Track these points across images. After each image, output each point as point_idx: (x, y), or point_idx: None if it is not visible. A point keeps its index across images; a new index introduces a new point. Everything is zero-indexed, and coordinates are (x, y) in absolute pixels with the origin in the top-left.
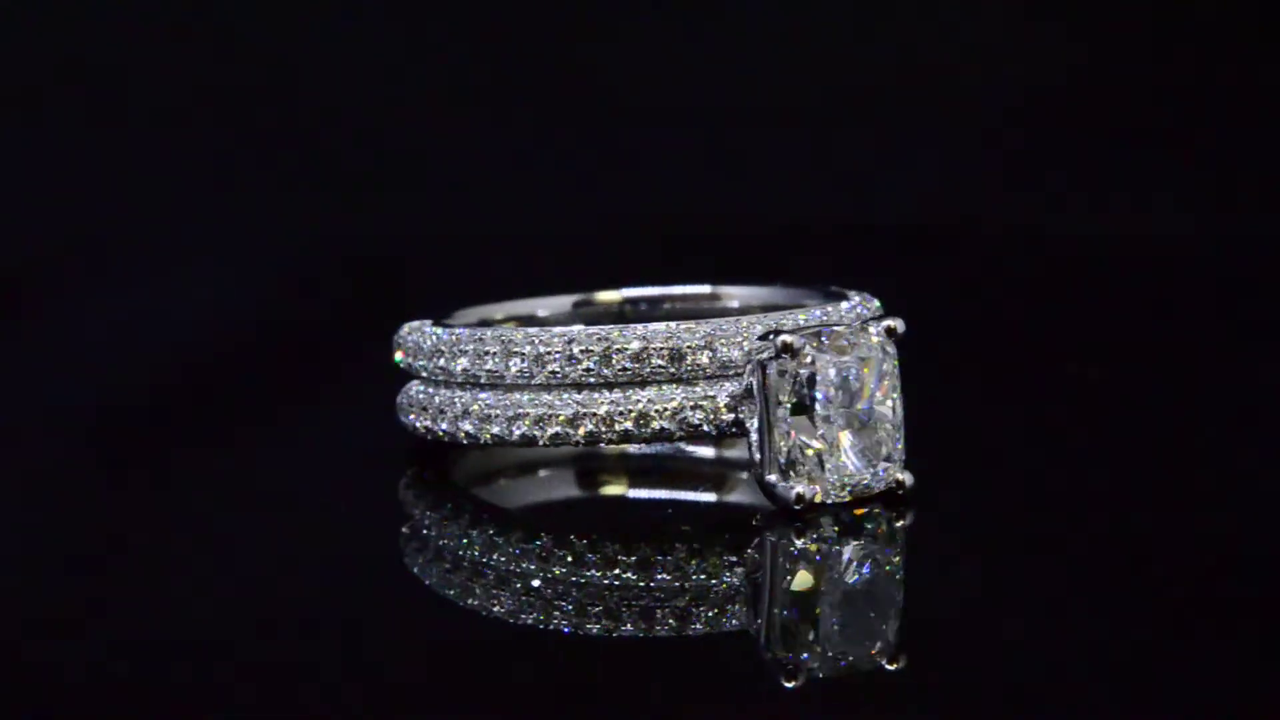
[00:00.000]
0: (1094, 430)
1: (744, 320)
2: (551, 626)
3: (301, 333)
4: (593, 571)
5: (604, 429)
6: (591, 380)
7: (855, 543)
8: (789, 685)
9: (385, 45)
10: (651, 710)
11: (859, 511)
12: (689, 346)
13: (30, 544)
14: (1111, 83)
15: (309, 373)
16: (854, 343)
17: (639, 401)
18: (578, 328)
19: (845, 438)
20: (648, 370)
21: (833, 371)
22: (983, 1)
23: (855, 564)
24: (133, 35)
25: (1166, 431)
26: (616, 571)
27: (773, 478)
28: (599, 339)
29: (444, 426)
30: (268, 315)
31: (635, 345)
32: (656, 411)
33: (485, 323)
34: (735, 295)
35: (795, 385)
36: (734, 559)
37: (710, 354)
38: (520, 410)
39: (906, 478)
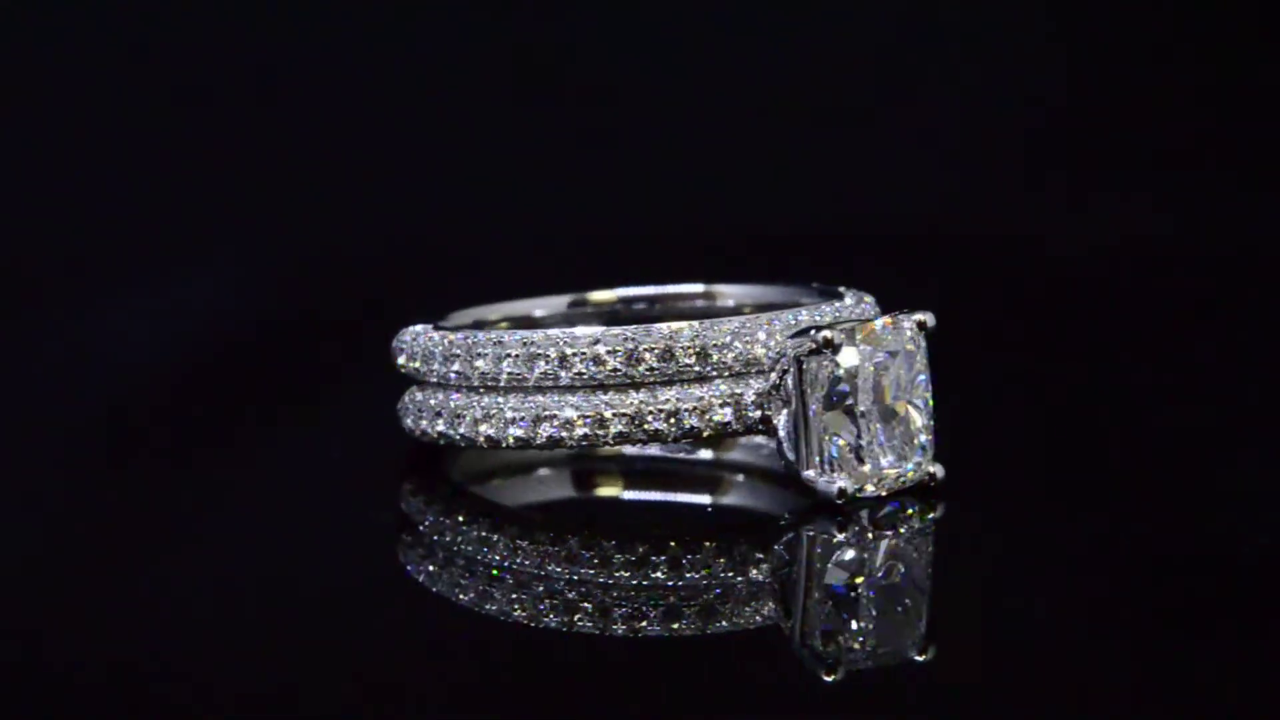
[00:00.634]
0: (1113, 426)
1: (762, 317)
2: (578, 629)
3: (295, 334)
4: (623, 572)
5: (634, 428)
6: (616, 381)
7: (890, 535)
8: (829, 679)
9: (380, 45)
10: (694, 708)
11: (892, 504)
12: (715, 345)
13: (29, 545)
14: (1115, 89)
15: (304, 374)
16: (888, 337)
17: (668, 400)
18: (600, 328)
19: (881, 431)
20: (673, 369)
21: (870, 366)
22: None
23: (890, 557)
24: (133, 35)
25: (1183, 430)
26: (643, 571)
27: (811, 473)
28: (626, 339)
29: (461, 431)
30: (259, 318)
31: (663, 345)
32: (687, 410)
33: (480, 324)
34: (730, 294)
35: (833, 380)
36: (760, 555)
37: (736, 352)
38: (546, 412)
39: (938, 470)
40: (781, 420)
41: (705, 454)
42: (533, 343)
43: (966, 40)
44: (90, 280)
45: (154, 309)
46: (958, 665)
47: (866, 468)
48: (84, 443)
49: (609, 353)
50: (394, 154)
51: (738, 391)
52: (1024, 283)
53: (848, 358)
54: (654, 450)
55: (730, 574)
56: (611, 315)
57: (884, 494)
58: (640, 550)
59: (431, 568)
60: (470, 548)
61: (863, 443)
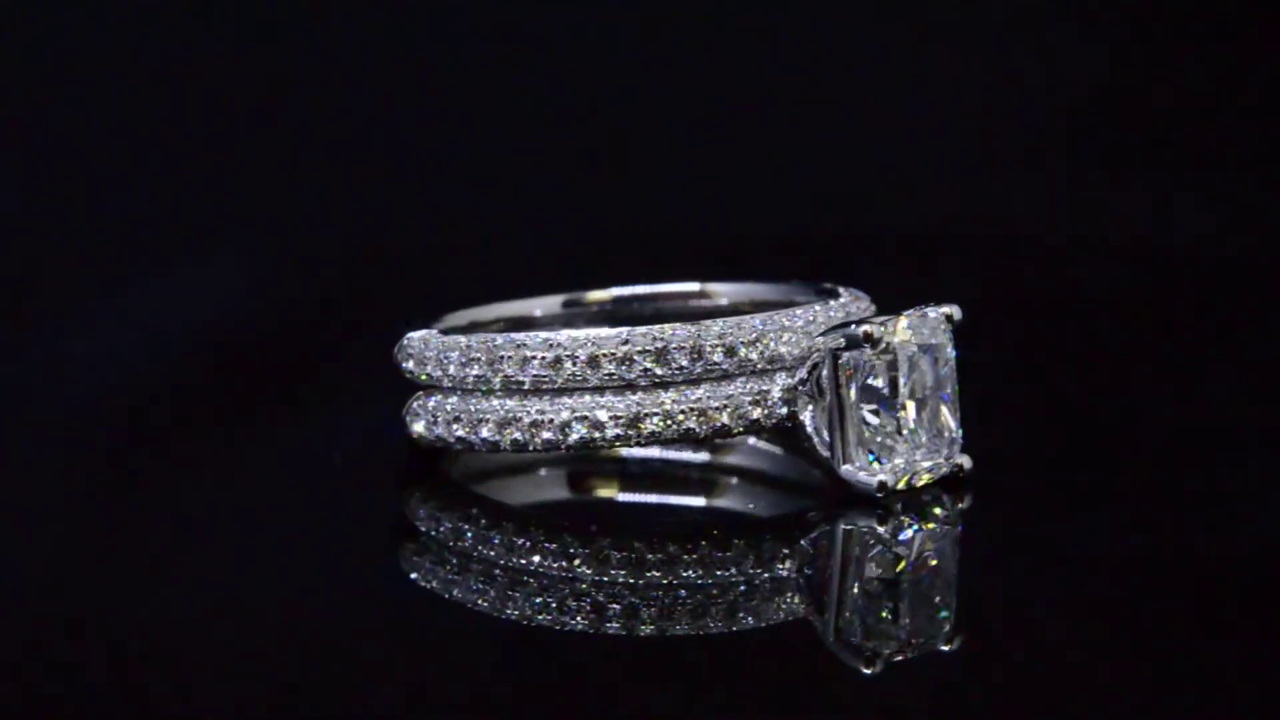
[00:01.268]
0: (1122, 424)
1: (781, 314)
2: (609, 630)
3: (284, 337)
4: (654, 572)
5: (667, 427)
6: (646, 381)
7: (922, 527)
8: (868, 671)
9: (373, 46)
10: (730, 706)
11: (922, 496)
12: (743, 342)
13: (27, 546)
14: (1114, 88)
15: (299, 376)
16: (922, 331)
17: (699, 399)
18: (624, 329)
19: (916, 425)
20: (701, 368)
21: (905, 360)
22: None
23: (922, 549)
24: (132, 37)
25: (1206, 428)
26: (674, 569)
27: (849, 467)
28: (655, 338)
29: (483, 435)
30: (246, 321)
31: (691, 343)
32: (716, 408)
33: (475, 326)
34: (724, 293)
35: (872, 374)
36: (787, 551)
37: (761, 349)
38: (576, 414)
39: (966, 461)
40: (808, 416)
41: (702, 456)
42: (559, 344)
43: (964, 38)
44: (88, 281)
45: (149, 310)
46: (987, 656)
47: (903, 461)
48: (82, 443)
49: (640, 353)
50: (377, 155)
51: (765, 388)
52: (1021, 282)
53: (888, 352)
54: (652, 452)
55: (758, 570)
56: (607, 315)
57: (918, 486)
58: (671, 549)
59: (450, 572)
60: (494, 552)
61: (902, 436)
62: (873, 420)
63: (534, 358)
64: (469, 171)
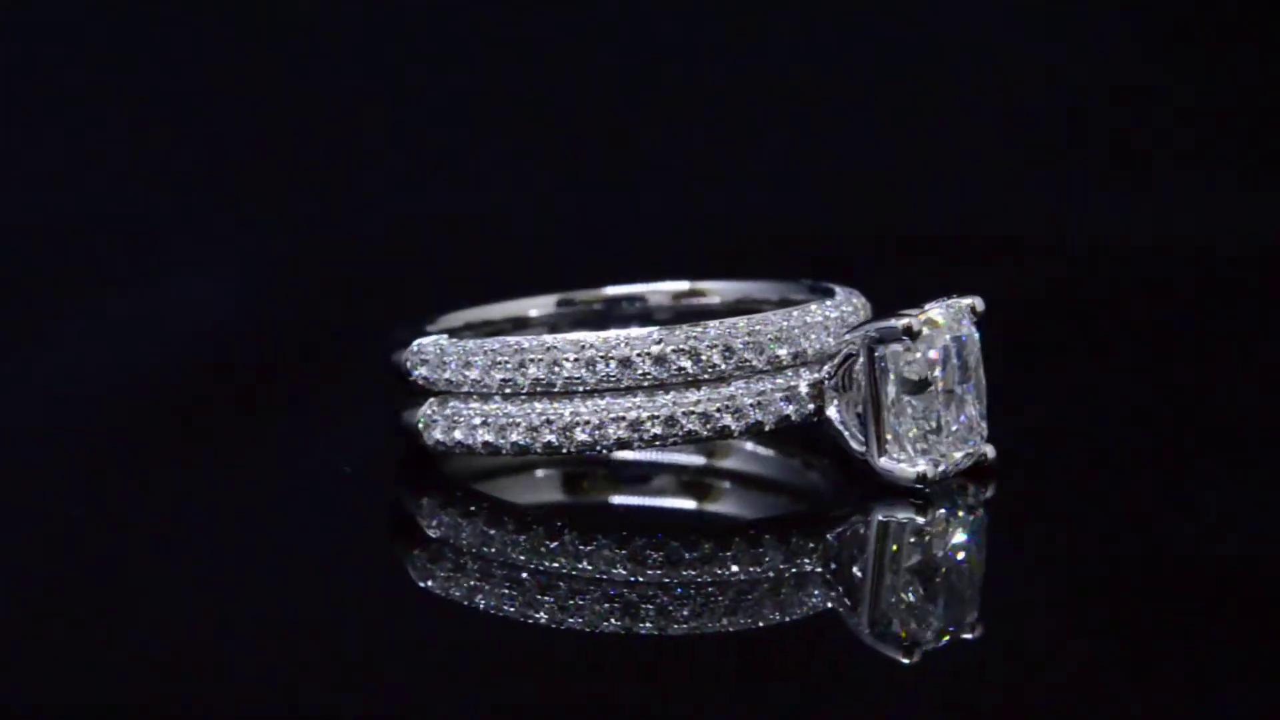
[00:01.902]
0: (1155, 413)
1: (796, 311)
2: (642, 631)
3: (281, 337)
4: (690, 571)
5: (703, 426)
6: (678, 380)
7: (954, 517)
8: (906, 661)
9: (364, 46)
10: (768, 701)
11: (950, 486)
12: (770, 338)
13: (24, 549)
14: (1114, 88)
15: (289, 381)
16: (953, 323)
17: (732, 396)
18: (658, 329)
19: (950, 415)
20: (732, 365)
21: (940, 351)
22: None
23: (954, 538)
24: (126, 36)
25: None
26: (709, 568)
27: (886, 460)
28: (688, 337)
29: (513, 439)
30: (244, 322)
31: (723, 341)
32: (750, 405)
33: (470, 327)
34: (716, 291)
35: (910, 366)
36: (813, 545)
37: (788, 346)
38: (612, 415)
39: (990, 450)
40: (834, 410)
41: (699, 459)
42: (590, 346)
43: (965, 37)
44: (84, 282)
45: (132, 317)
46: (1014, 644)
47: (939, 452)
48: (76, 448)
49: (675, 352)
50: (364, 154)
51: (792, 384)
52: (1017, 282)
53: (925, 344)
54: (649, 455)
55: (786, 565)
56: (601, 314)
57: (951, 476)
58: (706, 547)
59: (470, 578)
60: (523, 556)
61: (938, 427)
62: (910, 412)
63: (565, 359)
64: (454, 171)
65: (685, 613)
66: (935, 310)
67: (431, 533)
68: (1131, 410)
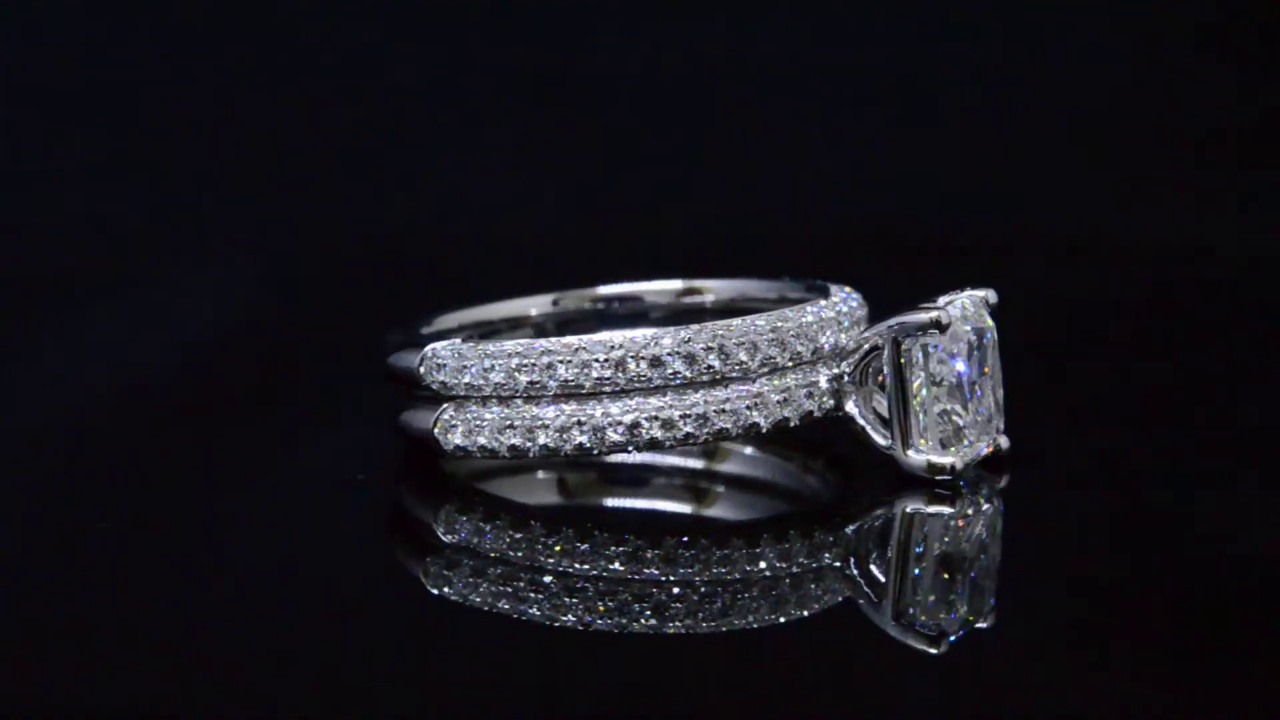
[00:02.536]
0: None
1: (810, 309)
2: (672, 630)
3: (275, 340)
4: (721, 568)
5: (734, 423)
6: (706, 379)
7: (974, 508)
8: (934, 651)
9: (355, 47)
10: (816, 691)
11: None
12: (793, 335)
13: (21, 555)
14: (1118, 87)
15: (291, 381)
16: (973, 316)
17: (759, 393)
18: (690, 327)
19: (971, 407)
20: (758, 361)
21: (965, 344)
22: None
23: (975, 529)
24: (129, 41)
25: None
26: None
27: (913, 453)
28: (716, 335)
29: (542, 442)
30: (241, 324)
31: (749, 339)
32: (777, 402)
33: (465, 327)
34: (711, 289)
35: (937, 358)
36: (832, 539)
37: (809, 342)
38: (648, 414)
39: (1004, 441)
40: (851, 405)
41: (697, 463)
42: (619, 346)
43: (965, 38)
44: (83, 284)
45: (127, 320)
46: (1034, 633)
47: (963, 443)
48: (81, 448)
49: (705, 350)
50: (353, 158)
51: (813, 379)
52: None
53: (953, 336)
54: (646, 458)
55: (809, 560)
56: (598, 314)
57: (972, 466)
58: (737, 542)
59: (493, 583)
60: (552, 560)
61: (962, 418)
62: (936, 404)
63: (596, 360)
64: (447, 171)
65: (714, 608)
66: (957, 302)
67: (449, 538)
68: (1137, 408)
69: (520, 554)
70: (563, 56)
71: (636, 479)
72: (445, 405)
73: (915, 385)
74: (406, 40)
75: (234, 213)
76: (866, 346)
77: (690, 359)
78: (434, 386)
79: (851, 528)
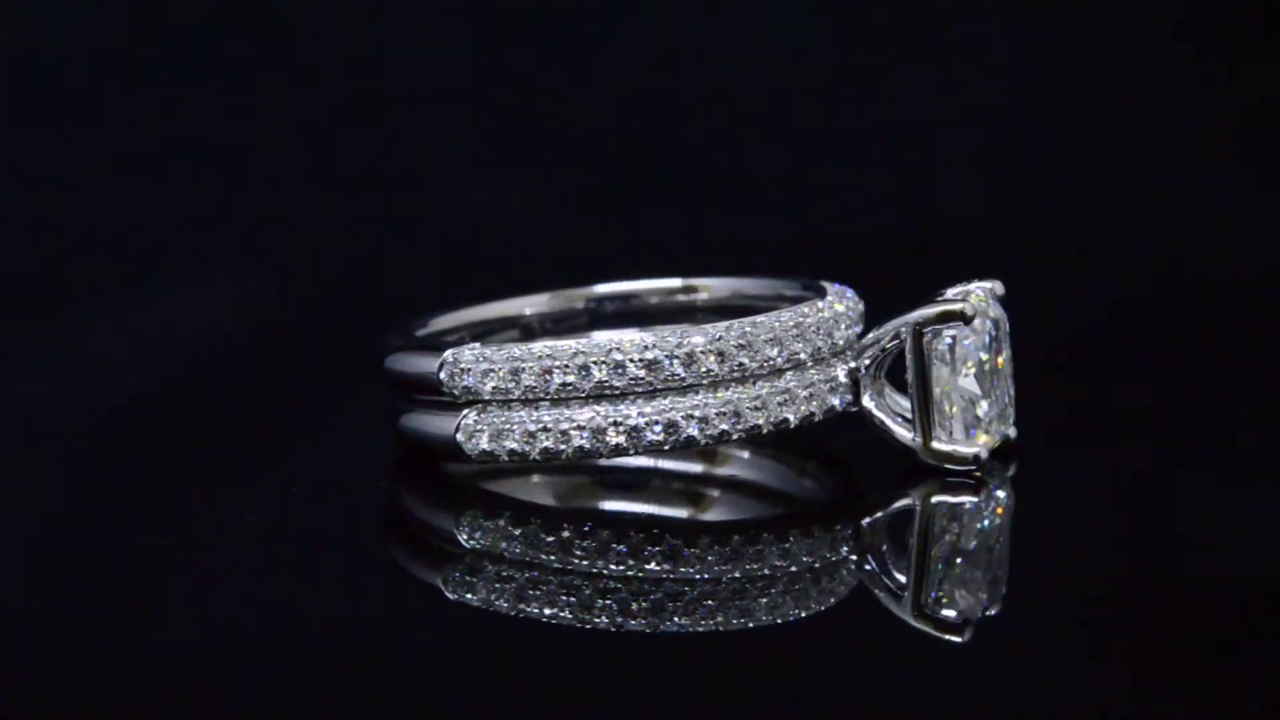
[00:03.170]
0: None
1: (823, 305)
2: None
3: (273, 346)
4: (751, 564)
5: (764, 420)
6: (735, 376)
7: (991, 496)
8: (959, 640)
9: (347, 48)
10: (844, 683)
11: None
12: (813, 329)
13: (22, 559)
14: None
15: (290, 385)
16: (989, 307)
17: (786, 390)
18: (722, 324)
19: (991, 397)
20: (784, 357)
21: (986, 334)
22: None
23: (994, 518)
24: (127, 46)
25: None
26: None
27: (937, 444)
28: (744, 332)
29: (577, 444)
30: (237, 328)
31: (774, 335)
32: (804, 397)
33: (460, 328)
34: (709, 287)
35: (961, 349)
36: (851, 532)
37: (828, 339)
38: (684, 412)
39: (1012, 431)
40: (868, 399)
41: (695, 467)
42: (654, 346)
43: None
44: (76, 292)
45: (122, 327)
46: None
47: (984, 433)
48: (82, 454)
49: (738, 347)
50: (348, 157)
51: (833, 375)
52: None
53: (975, 327)
54: (644, 461)
55: (829, 553)
56: (595, 312)
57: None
58: (734, 540)
59: (518, 585)
60: (585, 561)
61: (985, 409)
62: (958, 396)
63: (630, 361)
64: (440, 170)
65: (742, 605)
66: (975, 294)
67: (471, 543)
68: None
69: (553, 557)
70: (561, 57)
71: (631, 483)
72: (467, 410)
73: (939, 377)
74: (400, 39)
75: (232, 216)
76: (885, 340)
77: (721, 355)
78: (455, 392)
79: (867, 520)
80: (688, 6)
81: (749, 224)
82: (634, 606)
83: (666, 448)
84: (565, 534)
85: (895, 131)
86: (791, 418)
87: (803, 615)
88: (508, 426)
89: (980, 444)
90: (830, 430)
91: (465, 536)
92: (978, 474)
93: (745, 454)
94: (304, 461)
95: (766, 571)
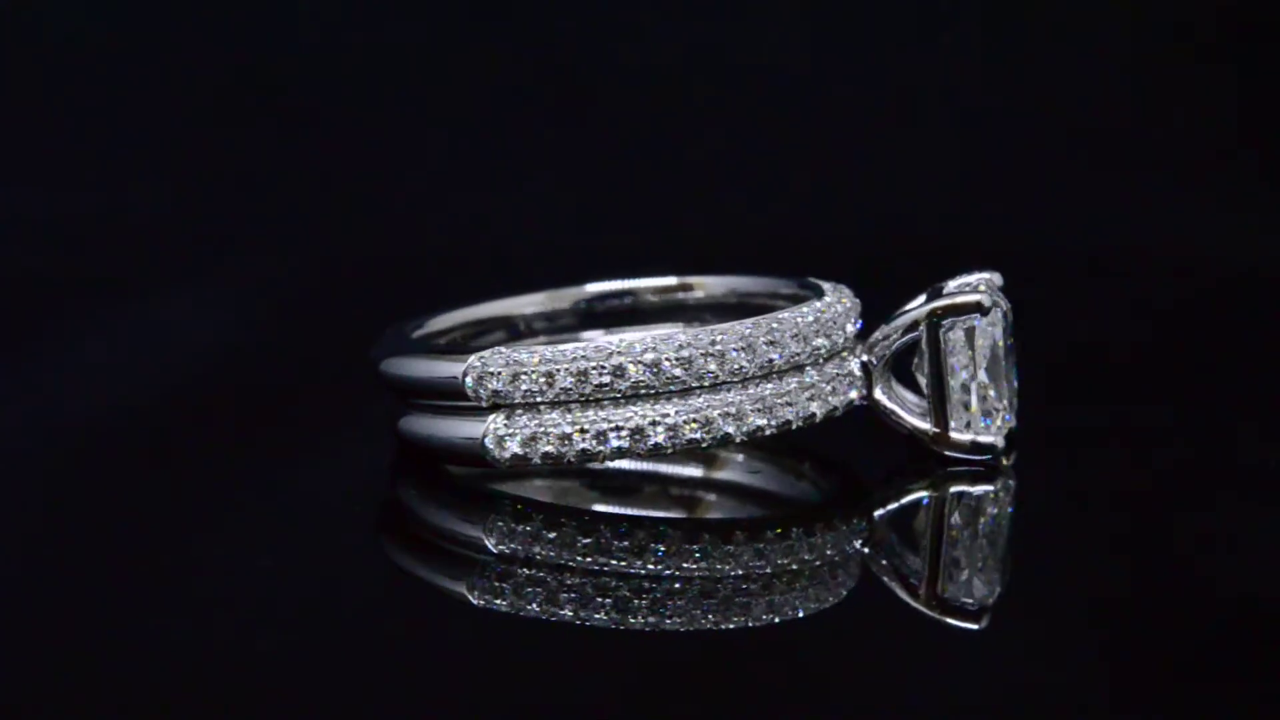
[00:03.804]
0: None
1: (835, 302)
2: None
3: (272, 352)
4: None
5: (795, 416)
6: (761, 373)
7: (1002, 485)
8: (977, 627)
9: (342, 49)
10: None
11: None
12: (830, 325)
13: (24, 564)
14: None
15: (291, 390)
16: (998, 299)
17: (812, 384)
18: (742, 322)
19: (1002, 387)
20: (806, 353)
21: (999, 326)
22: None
23: (1004, 506)
24: (124, 52)
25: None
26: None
27: (955, 434)
28: (772, 328)
29: (616, 444)
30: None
31: (798, 330)
32: (829, 392)
33: (457, 329)
34: (705, 285)
35: (976, 340)
36: (864, 525)
37: (842, 334)
38: (720, 409)
39: (1013, 422)
40: (879, 392)
41: (694, 471)
42: (689, 344)
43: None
44: (80, 294)
45: (127, 336)
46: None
47: (997, 422)
48: (84, 461)
49: (766, 343)
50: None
51: (849, 368)
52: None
53: (992, 319)
54: (638, 465)
55: (843, 546)
56: (588, 312)
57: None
58: (739, 536)
59: (545, 588)
60: (622, 562)
61: (998, 397)
62: (978, 386)
63: (665, 359)
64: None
65: (766, 600)
66: (982, 285)
67: (502, 549)
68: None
69: (589, 559)
70: (559, 57)
71: (626, 488)
72: (495, 415)
73: (957, 367)
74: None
75: (227, 220)
76: (898, 333)
77: (752, 351)
78: (482, 397)
79: (880, 512)
80: (688, 6)
81: (745, 225)
82: (669, 603)
83: (704, 445)
84: (601, 538)
85: (893, 132)
86: (818, 412)
87: (824, 607)
88: (542, 430)
89: (997, 433)
90: (817, 431)
91: (494, 541)
92: (993, 463)
93: (739, 457)
94: (306, 469)
95: (795, 566)
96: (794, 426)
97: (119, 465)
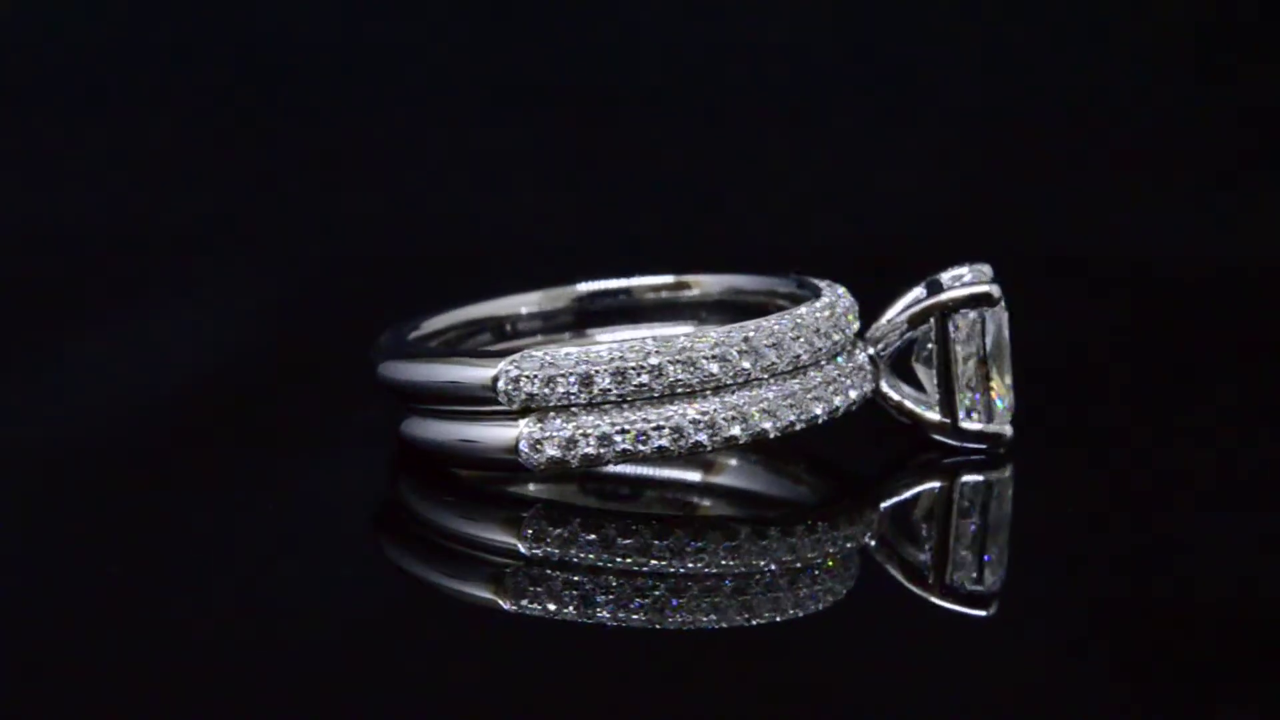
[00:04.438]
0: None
1: (838, 299)
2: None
3: (272, 356)
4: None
5: (823, 410)
6: (789, 369)
7: (1004, 473)
8: (985, 613)
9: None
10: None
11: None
12: (842, 320)
13: (27, 571)
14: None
15: (293, 397)
16: (994, 289)
17: (833, 379)
18: (768, 318)
19: (1007, 377)
20: (827, 349)
21: (1005, 319)
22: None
23: (1006, 494)
24: (122, 59)
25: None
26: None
27: (967, 424)
28: (795, 324)
29: (658, 444)
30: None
31: (815, 326)
32: (848, 386)
33: (454, 328)
34: (702, 284)
35: (987, 329)
36: (872, 517)
37: (848, 329)
38: (759, 407)
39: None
40: (885, 384)
41: (694, 475)
42: (722, 344)
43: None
44: (80, 301)
45: (118, 343)
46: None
47: (1008, 410)
48: (84, 466)
49: (792, 339)
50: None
51: (859, 362)
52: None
53: (993, 313)
54: (643, 469)
55: (847, 539)
56: (584, 310)
57: None
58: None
59: (578, 589)
60: (663, 561)
61: (1003, 386)
62: (986, 375)
63: (702, 358)
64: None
65: (781, 597)
66: (985, 277)
67: (533, 552)
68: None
69: (630, 560)
70: (560, 56)
71: (625, 495)
72: (526, 419)
73: (965, 357)
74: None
75: (226, 222)
76: (904, 326)
77: (779, 348)
78: (516, 399)
79: (886, 504)
80: (687, 6)
81: (738, 224)
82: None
83: (741, 441)
84: (640, 538)
85: (891, 132)
86: (840, 405)
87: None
88: (581, 433)
89: (1006, 422)
90: (818, 431)
91: (526, 547)
92: (1002, 450)
93: (734, 461)
94: (306, 469)
95: (799, 564)
96: (820, 421)
97: (119, 466)
